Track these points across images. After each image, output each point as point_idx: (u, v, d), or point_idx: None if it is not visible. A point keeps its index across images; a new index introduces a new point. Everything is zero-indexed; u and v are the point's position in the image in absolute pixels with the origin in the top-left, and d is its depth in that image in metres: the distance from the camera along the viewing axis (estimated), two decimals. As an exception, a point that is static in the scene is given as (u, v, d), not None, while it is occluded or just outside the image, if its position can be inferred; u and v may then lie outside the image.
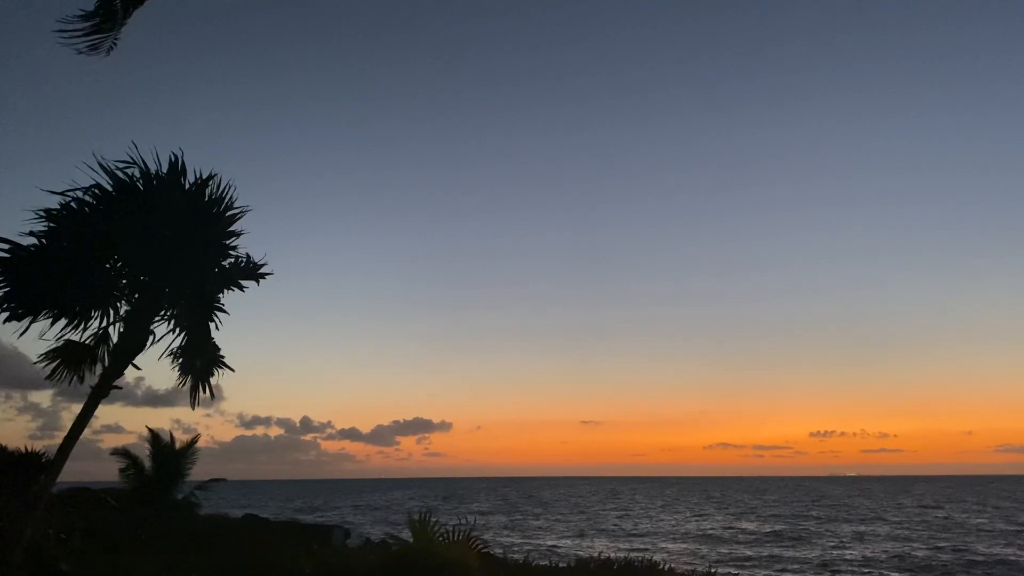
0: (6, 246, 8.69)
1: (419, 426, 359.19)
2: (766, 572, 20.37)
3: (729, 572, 13.79)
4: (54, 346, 9.08)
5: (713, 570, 11.54)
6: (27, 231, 8.65)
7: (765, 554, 24.72)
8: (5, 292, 8.75)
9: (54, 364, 9.06)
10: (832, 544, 28.22)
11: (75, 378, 9.18)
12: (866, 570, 21.26)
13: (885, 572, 20.76)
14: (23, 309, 8.89)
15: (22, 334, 8.89)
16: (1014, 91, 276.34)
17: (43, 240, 8.78)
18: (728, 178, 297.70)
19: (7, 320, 8.84)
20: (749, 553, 25.03)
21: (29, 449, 9.12)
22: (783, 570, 21.10)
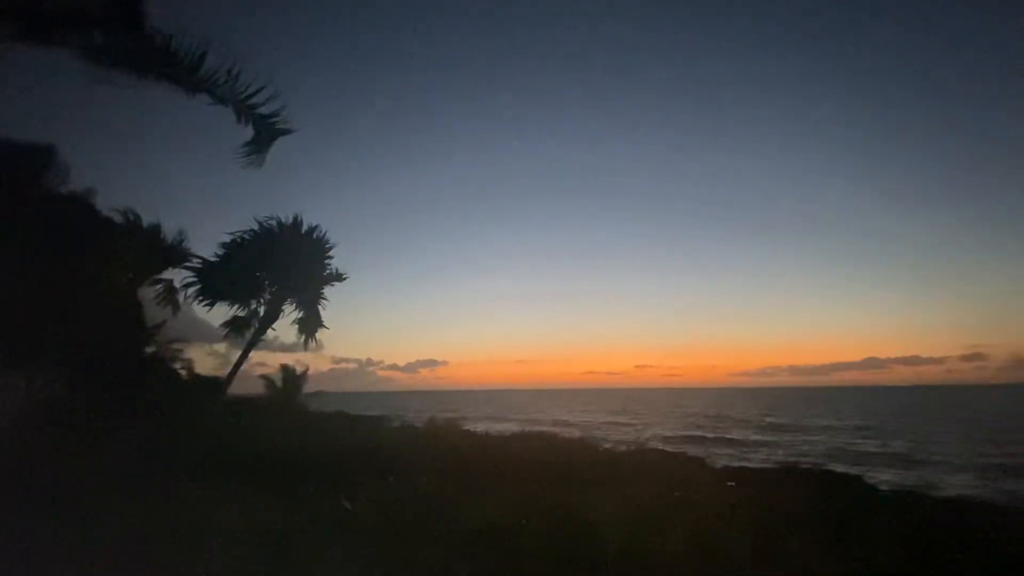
0: (199, 261, 15.26)
1: (430, 362, 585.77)
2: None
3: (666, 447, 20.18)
4: (227, 319, 15.80)
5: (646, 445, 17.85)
6: (213, 253, 15.17)
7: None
8: (198, 288, 15.37)
9: (228, 329, 15.79)
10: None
11: (238, 337, 15.91)
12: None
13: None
14: (209, 298, 15.51)
15: (209, 311, 15.61)
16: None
17: (221, 259, 15.30)
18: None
19: (201, 303, 15.51)
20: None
21: (213, 375, 15.90)
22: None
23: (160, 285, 14.76)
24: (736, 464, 21.56)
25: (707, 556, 4.04)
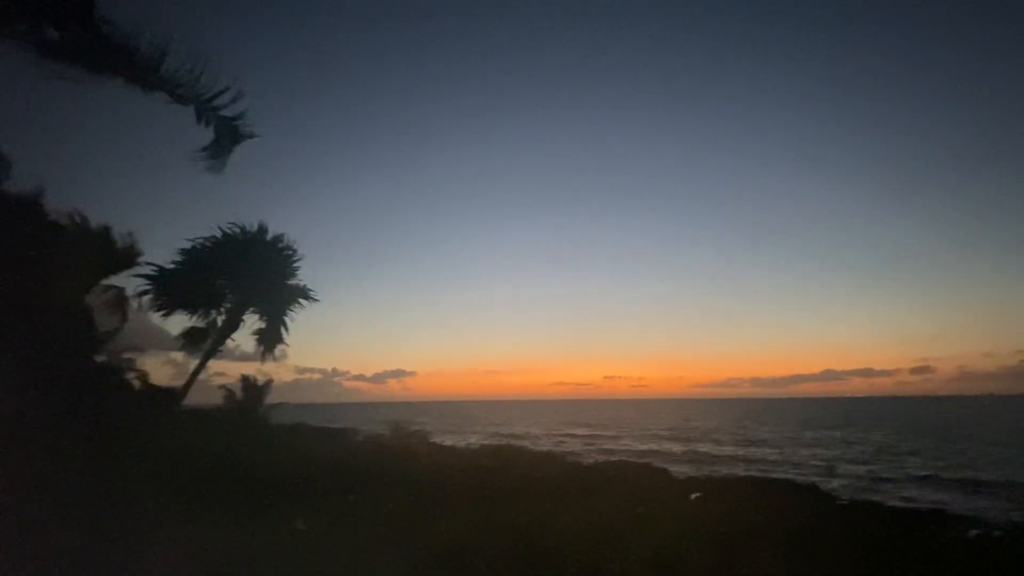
0: (155, 267, 14.60)
1: (397, 373, 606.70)
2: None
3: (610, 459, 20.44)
4: (185, 329, 15.12)
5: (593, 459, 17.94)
6: (170, 260, 14.54)
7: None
8: (153, 296, 14.69)
9: (184, 339, 15.10)
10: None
11: (195, 347, 15.22)
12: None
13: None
14: (165, 306, 14.83)
15: (165, 319, 14.92)
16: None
17: (178, 267, 14.66)
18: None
19: (156, 311, 14.82)
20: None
21: (169, 386, 15.16)
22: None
23: (110, 291, 14.02)
24: (701, 475, 21.94)
25: (670, 573, 4.04)
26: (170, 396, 15.59)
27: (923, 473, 25.04)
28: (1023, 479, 22.50)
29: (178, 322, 14.90)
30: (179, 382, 15.32)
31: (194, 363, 15.13)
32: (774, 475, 22.35)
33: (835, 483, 21.23)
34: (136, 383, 15.30)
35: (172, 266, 14.47)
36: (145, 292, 14.09)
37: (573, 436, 47.61)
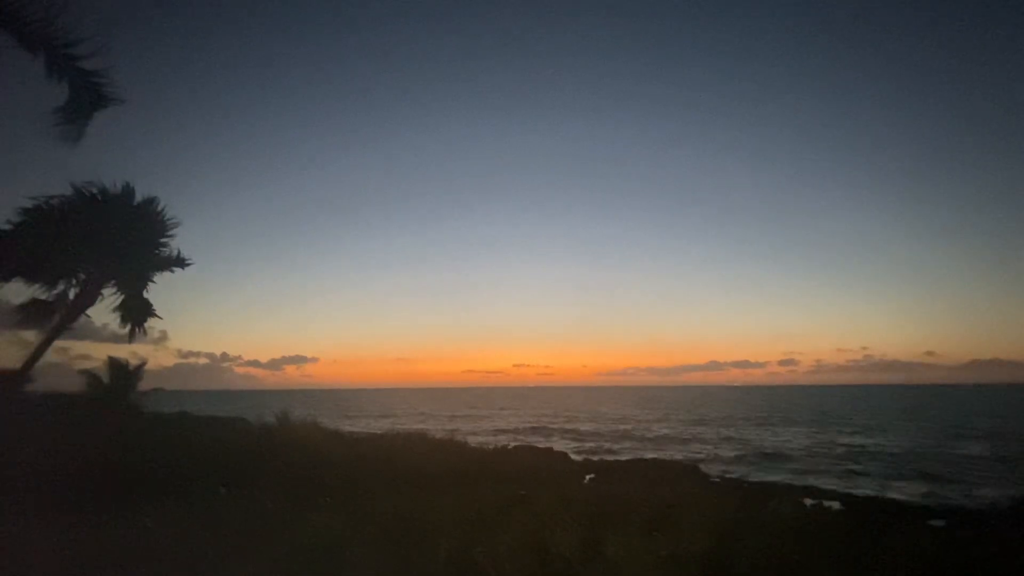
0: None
1: (297, 359, 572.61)
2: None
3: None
4: (23, 301, 13.04)
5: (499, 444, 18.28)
6: (6, 220, 12.42)
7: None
8: (-19, 261, 12.52)
9: (23, 313, 13.04)
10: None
11: (38, 323, 13.22)
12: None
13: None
14: (-3, 274, 12.68)
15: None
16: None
17: (17, 228, 12.56)
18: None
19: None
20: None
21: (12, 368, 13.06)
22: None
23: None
24: (596, 458, 23.39)
25: (534, 553, 4.25)
26: (9, 380, 13.53)
27: (790, 461, 28.58)
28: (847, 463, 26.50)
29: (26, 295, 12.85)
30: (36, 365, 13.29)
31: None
32: (662, 456, 24.40)
33: (713, 464, 23.58)
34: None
35: (7, 226, 12.43)
36: (-31, 257, 11.97)
37: (479, 424, 48.18)
